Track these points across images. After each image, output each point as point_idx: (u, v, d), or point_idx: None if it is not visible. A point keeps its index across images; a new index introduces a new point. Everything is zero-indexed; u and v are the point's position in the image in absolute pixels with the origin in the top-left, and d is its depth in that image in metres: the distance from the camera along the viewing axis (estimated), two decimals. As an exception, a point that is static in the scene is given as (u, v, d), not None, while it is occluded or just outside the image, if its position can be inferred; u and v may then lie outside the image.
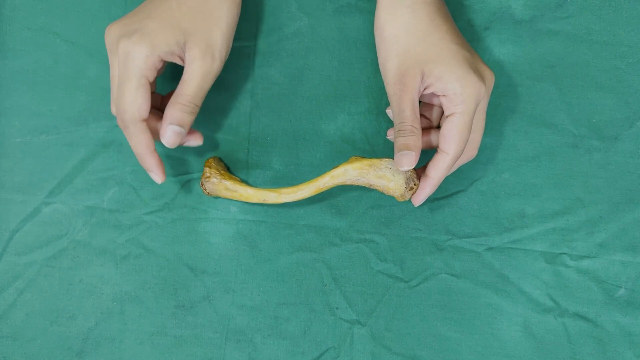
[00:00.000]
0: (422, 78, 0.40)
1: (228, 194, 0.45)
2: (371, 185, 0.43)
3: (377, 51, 0.43)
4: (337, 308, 0.46)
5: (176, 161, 0.47)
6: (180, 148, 0.47)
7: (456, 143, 0.40)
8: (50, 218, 0.47)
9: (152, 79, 0.40)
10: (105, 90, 0.47)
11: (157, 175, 0.42)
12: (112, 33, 0.40)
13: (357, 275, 0.46)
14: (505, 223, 0.47)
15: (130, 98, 0.39)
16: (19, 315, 0.46)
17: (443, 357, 0.46)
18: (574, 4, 0.48)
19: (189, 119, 0.41)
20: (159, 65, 0.40)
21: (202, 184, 0.44)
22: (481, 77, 0.40)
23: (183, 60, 0.41)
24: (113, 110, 0.42)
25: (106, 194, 0.47)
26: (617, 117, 0.47)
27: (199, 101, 0.41)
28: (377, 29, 0.42)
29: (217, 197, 0.46)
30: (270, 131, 0.47)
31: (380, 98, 0.47)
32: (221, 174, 0.44)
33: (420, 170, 0.44)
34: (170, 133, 0.41)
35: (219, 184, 0.44)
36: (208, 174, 0.44)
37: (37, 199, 0.47)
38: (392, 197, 0.46)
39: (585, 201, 0.47)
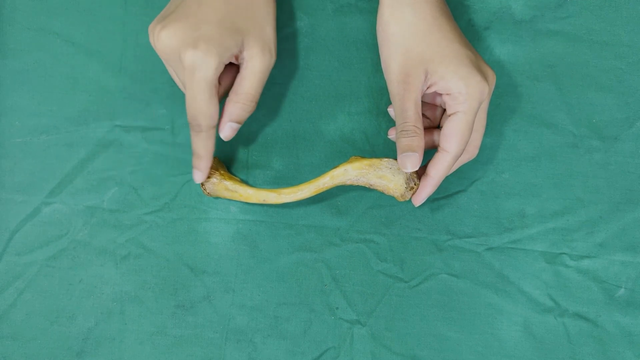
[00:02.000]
0: (425, 77, 0.40)
1: (228, 194, 0.45)
2: (371, 185, 0.43)
3: (380, 50, 0.43)
4: (337, 308, 0.46)
5: (176, 161, 0.47)
6: (180, 147, 0.47)
7: (457, 142, 0.40)
8: (50, 218, 0.47)
9: (217, 83, 0.40)
10: (106, 90, 0.47)
11: (201, 176, 0.43)
12: (167, 40, 0.39)
13: (357, 275, 0.46)
14: (505, 223, 0.47)
15: (205, 108, 0.40)
16: (19, 315, 0.46)
17: (443, 357, 0.46)
18: (574, 4, 0.48)
19: (247, 115, 0.43)
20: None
21: (202, 184, 0.44)
22: (484, 76, 0.40)
23: (237, 59, 0.41)
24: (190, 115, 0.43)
25: (106, 194, 0.47)
26: (617, 117, 0.47)
27: (258, 97, 0.42)
28: (380, 27, 0.42)
29: (217, 198, 0.46)
30: (270, 131, 0.47)
31: (380, 98, 0.47)
32: (221, 174, 0.44)
33: (420, 169, 0.44)
34: (229, 129, 0.42)
35: (219, 184, 0.44)
36: (208, 174, 0.44)
37: (37, 199, 0.47)
38: (392, 197, 0.46)
39: (585, 201, 0.47)
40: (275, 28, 0.43)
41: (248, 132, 0.47)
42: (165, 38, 0.39)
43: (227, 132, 0.43)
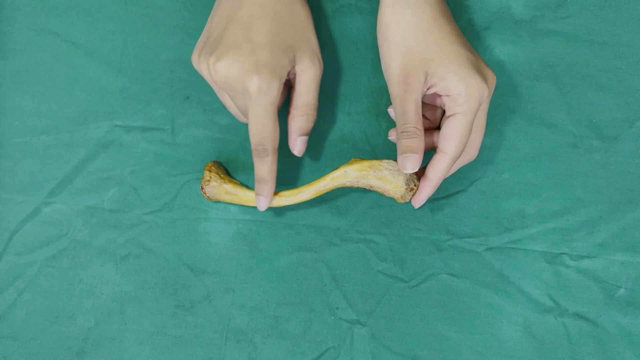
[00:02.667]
0: (426, 78, 0.40)
1: (228, 198, 0.44)
2: (371, 186, 0.43)
3: (380, 51, 0.43)
4: (337, 308, 0.46)
5: (176, 161, 0.47)
6: (180, 147, 0.47)
7: (456, 143, 0.40)
8: (50, 218, 0.47)
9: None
10: (106, 90, 0.47)
11: (266, 202, 0.43)
12: (226, 71, 0.39)
13: (357, 275, 0.46)
14: (505, 223, 0.47)
15: (272, 132, 0.41)
16: (19, 315, 0.46)
17: (443, 357, 0.46)
18: (574, 4, 0.48)
19: (312, 126, 0.44)
20: None
21: (202, 188, 0.44)
22: (484, 78, 0.40)
23: (289, 74, 0.42)
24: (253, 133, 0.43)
25: (106, 194, 0.47)
26: (617, 117, 0.47)
27: (317, 106, 0.43)
28: (380, 28, 0.42)
29: (217, 202, 0.46)
30: (270, 131, 0.47)
31: (380, 98, 0.47)
32: (221, 178, 0.44)
33: (419, 171, 0.44)
34: (300, 144, 0.43)
35: (218, 188, 0.44)
36: (208, 178, 0.44)
37: (37, 199, 0.47)
38: (392, 198, 0.46)
39: (585, 201, 0.47)
40: (316, 34, 0.43)
41: (247, 132, 0.47)
42: (223, 69, 0.39)
43: (300, 146, 0.43)
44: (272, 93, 0.39)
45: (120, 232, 0.47)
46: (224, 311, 0.46)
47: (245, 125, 0.47)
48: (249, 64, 0.39)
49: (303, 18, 0.42)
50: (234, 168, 0.47)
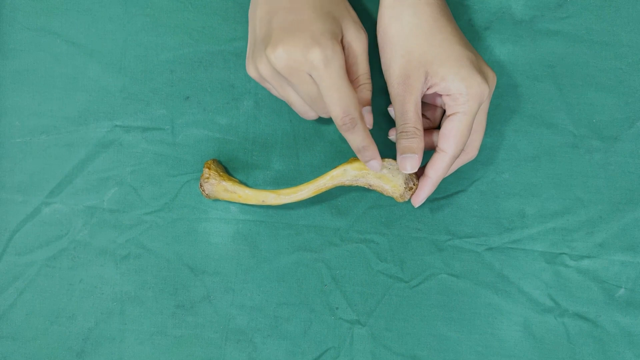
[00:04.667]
0: (426, 79, 0.40)
1: (227, 196, 0.44)
2: (370, 185, 0.43)
3: (380, 51, 0.43)
4: (337, 308, 0.46)
5: (176, 161, 0.47)
6: (179, 147, 0.47)
7: (455, 143, 0.40)
8: (50, 218, 0.47)
9: None
10: (106, 90, 0.47)
11: (378, 164, 0.42)
12: (287, 54, 0.38)
13: (357, 275, 0.46)
14: (505, 223, 0.47)
15: (352, 97, 0.39)
16: (19, 315, 0.46)
17: (443, 357, 0.46)
18: (574, 4, 0.48)
19: (370, 95, 0.42)
20: None
21: (201, 185, 0.44)
22: (485, 78, 0.40)
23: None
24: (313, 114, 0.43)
25: (106, 194, 0.47)
26: (617, 117, 0.47)
27: (369, 73, 0.42)
28: (380, 28, 0.42)
29: (216, 200, 0.46)
30: (270, 131, 0.47)
31: (380, 98, 0.47)
32: (220, 176, 0.44)
33: (419, 170, 0.44)
34: (367, 114, 0.42)
35: (217, 185, 0.44)
36: (207, 175, 0.44)
37: (37, 199, 0.47)
38: (392, 197, 0.46)
39: (585, 201, 0.47)
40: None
41: (248, 132, 0.47)
42: (284, 55, 0.38)
43: (368, 117, 0.42)
44: (338, 57, 0.38)
45: (120, 232, 0.47)
46: (224, 311, 0.46)
47: (245, 125, 0.47)
48: (307, 40, 0.38)
49: None
50: (234, 168, 0.47)
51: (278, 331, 0.46)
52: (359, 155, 0.41)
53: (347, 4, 0.43)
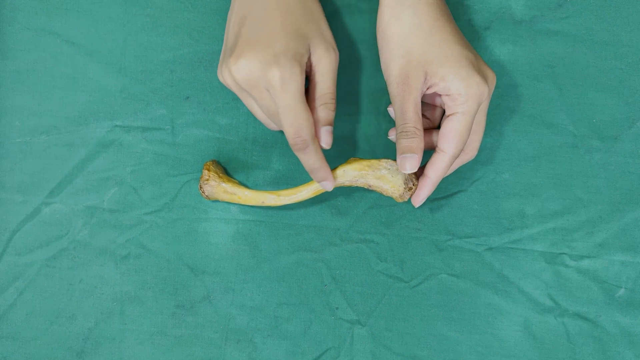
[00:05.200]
0: (425, 79, 0.40)
1: (227, 197, 0.44)
2: (370, 186, 0.43)
3: (380, 51, 0.43)
4: (337, 308, 0.46)
5: (176, 161, 0.47)
6: (179, 147, 0.47)
7: (455, 143, 0.40)
8: (50, 218, 0.47)
9: None
10: (106, 90, 0.47)
11: (330, 184, 0.42)
12: (247, 67, 0.39)
13: (357, 275, 0.46)
14: (505, 223, 0.47)
15: (306, 119, 0.39)
16: (19, 315, 0.46)
17: (443, 357, 0.46)
18: (574, 4, 0.48)
19: (333, 115, 0.42)
20: None
21: (201, 187, 0.44)
22: (484, 78, 0.40)
23: (306, 65, 0.41)
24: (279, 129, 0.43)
25: (106, 194, 0.47)
26: (617, 117, 0.47)
27: (335, 95, 0.42)
28: (380, 28, 0.42)
29: (215, 201, 0.46)
30: (270, 131, 0.47)
31: (380, 98, 0.47)
32: (220, 177, 0.44)
33: (418, 170, 0.44)
34: (326, 134, 0.41)
35: (217, 187, 0.44)
36: (207, 177, 0.44)
37: (37, 199, 0.47)
38: (391, 197, 0.46)
39: (585, 201, 0.47)
40: (329, 25, 0.43)
41: (248, 132, 0.47)
42: (244, 66, 0.39)
43: (326, 137, 0.41)
44: (296, 79, 0.38)
45: (120, 232, 0.47)
46: (224, 311, 0.46)
47: (245, 125, 0.47)
48: (267, 57, 0.38)
49: (314, 9, 0.42)
50: (233, 168, 0.47)
51: (278, 331, 0.46)
52: (311, 175, 0.42)
53: (322, 21, 0.42)
